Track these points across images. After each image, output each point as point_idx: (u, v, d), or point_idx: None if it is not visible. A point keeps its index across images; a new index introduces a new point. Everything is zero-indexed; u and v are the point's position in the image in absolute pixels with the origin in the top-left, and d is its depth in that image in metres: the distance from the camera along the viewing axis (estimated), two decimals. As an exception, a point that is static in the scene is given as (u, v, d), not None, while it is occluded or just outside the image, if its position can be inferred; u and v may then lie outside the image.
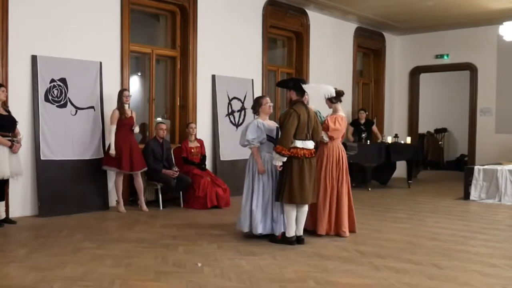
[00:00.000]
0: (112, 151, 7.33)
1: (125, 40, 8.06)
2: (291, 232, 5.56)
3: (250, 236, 5.82)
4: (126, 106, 7.53)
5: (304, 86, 5.65)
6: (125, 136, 7.44)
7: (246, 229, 5.80)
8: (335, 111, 6.28)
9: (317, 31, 11.30)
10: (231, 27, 9.56)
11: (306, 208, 5.66)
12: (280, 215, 5.77)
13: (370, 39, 13.03)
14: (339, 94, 6.25)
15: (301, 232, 5.64)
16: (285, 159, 5.43)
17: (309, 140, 5.58)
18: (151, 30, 9.52)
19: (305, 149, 5.51)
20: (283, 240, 5.59)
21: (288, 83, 5.91)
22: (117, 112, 7.43)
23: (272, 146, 5.73)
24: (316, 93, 5.76)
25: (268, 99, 6.02)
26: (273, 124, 5.93)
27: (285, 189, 5.47)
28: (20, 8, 6.89)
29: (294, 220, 5.56)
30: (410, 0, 10.48)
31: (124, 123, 7.44)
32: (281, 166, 5.48)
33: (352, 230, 6.14)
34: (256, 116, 6.00)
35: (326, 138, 6.09)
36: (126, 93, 7.53)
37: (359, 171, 10.69)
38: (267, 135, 5.77)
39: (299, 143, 5.49)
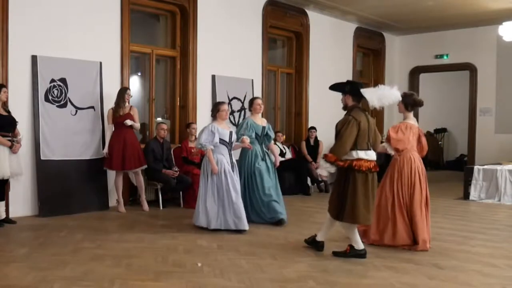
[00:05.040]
0: (104, 151, 7.44)
1: (125, 40, 8.06)
2: (360, 245, 5.12)
3: (213, 231, 6.16)
4: (126, 103, 7.52)
5: (363, 90, 5.06)
6: (118, 134, 7.45)
7: (203, 225, 6.22)
8: (404, 118, 5.70)
9: (317, 31, 11.30)
10: (231, 27, 9.56)
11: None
12: (241, 211, 6.13)
13: (370, 39, 13.03)
14: (418, 104, 5.69)
15: (324, 238, 5.28)
16: (334, 169, 4.96)
17: (370, 150, 5.04)
18: (151, 30, 9.52)
19: (370, 161, 4.97)
20: (353, 254, 5.11)
21: (344, 87, 5.20)
22: (111, 111, 7.47)
23: (224, 148, 6.26)
24: (376, 98, 5.01)
25: (225, 106, 6.44)
26: (228, 129, 6.36)
27: (347, 208, 4.94)
28: (20, 8, 6.89)
29: (357, 233, 5.16)
30: (410, 0, 10.49)
31: (118, 121, 7.44)
32: (326, 176, 4.97)
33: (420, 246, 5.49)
34: (212, 120, 6.38)
35: (390, 151, 5.59)
36: (129, 92, 7.56)
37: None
38: (220, 138, 6.20)
39: (362, 154, 4.94)
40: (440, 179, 12.95)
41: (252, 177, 6.83)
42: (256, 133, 6.91)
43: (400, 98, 5.28)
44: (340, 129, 4.97)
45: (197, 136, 6.37)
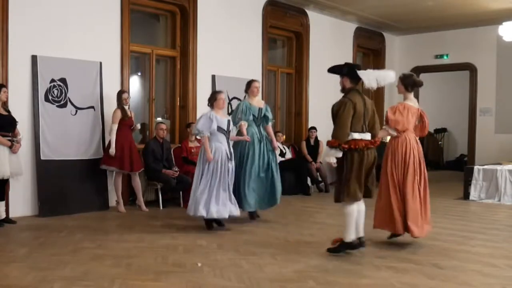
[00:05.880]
0: (112, 150, 7.31)
1: (125, 40, 8.06)
2: (351, 236, 5.06)
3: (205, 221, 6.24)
4: (126, 107, 7.53)
5: (359, 72, 5.12)
6: (125, 136, 7.44)
7: (191, 213, 6.21)
8: (404, 99, 5.69)
9: (317, 31, 11.30)
10: (231, 27, 9.56)
11: (363, 206, 5.17)
12: (228, 199, 6.21)
13: (370, 39, 13.03)
14: (418, 84, 5.72)
15: (361, 233, 5.12)
16: (341, 154, 4.94)
17: (366, 132, 5.07)
18: (151, 30, 9.52)
19: (364, 140, 5.00)
20: (344, 247, 5.08)
21: (342, 70, 5.22)
22: (119, 112, 7.42)
23: (222, 136, 6.25)
24: (373, 80, 5.11)
25: (222, 94, 6.39)
26: (225, 118, 6.37)
27: (348, 187, 4.96)
28: (20, 8, 6.89)
29: (354, 224, 5.09)
30: (410, 0, 10.49)
31: (125, 123, 7.45)
32: (335, 163, 5.01)
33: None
34: (210, 109, 6.34)
35: (392, 132, 5.57)
36: (124, 95, 7.53)
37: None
38: (218, 126, 6.18)
39: (356, 135, 4.97)
40: (440, 179, 12.94)
41: (244, 159, 6.81)
42: (253, 115, 6.92)
43: (394, 79, 5.30)
44: (337, 112, 4.99)
45: (196, 124, 6.34)
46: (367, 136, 5.09)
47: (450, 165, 15.54)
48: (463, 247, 5.63)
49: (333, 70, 5.36)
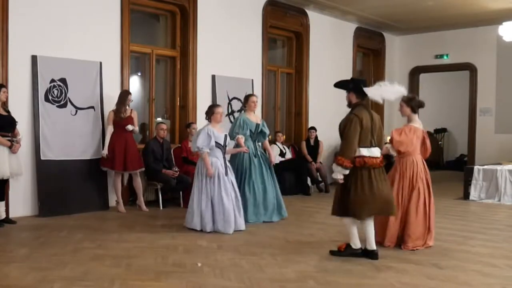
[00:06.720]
0: (104, 151, 7.41)
1: (125, 40, 8.06)
2: (357, 244, 5.09)
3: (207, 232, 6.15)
4: (127, 107, 7.53)
5: (365, 88, 5.10)
6: (119, 136, 7.45)
7: (197, 227, 6.20)
8: (409, 121, 5.69)
9: (317, 31, 11.30)
10: (231, 27, 9.56)
11: (371, 221, 5.07)
12: (234, 213, 6.19)
13: (370, 39, 13.03)
14: (422, 105, 5.71)
15: (373, 246, 5.05)
16: (347, 171, 4.89)
17: (374, 147, 5.04)
18: (151, 30, 9.52)
19: (373, 157, 4.97)
20: (349, 251, 5.10)
21: (348, 85, 5.22)
22: (112, 114, 7.47)
23: (219, 151, 6.25)
24: (379, 95, 5.09)
25: (220, 108, 6.41)
26: (222, 133, 6.37)
27: (351, 204, 4.90)
28: (20, 8, 6.89)
29: (356, 232, 5.10)
30: (410, 0, 10.49)
31: (120, 123, 7.45)
32: (341, 179, 4.92)
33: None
34: (208, 123, 6.36)
35: (393, 152, 5.57)
36: (130, 96, 7.57)
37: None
38: (215, 142, 6.20)
39: (364, 151, 4.94)
40: (440, 179, 12.90)
41: (244, 174, 6.85)
42: (250, 130, 6.96)
43: (404, 93, 5.30)
44: (344, 129, 4.98)
45: (194, 140, 6.35)
46: (376, 151, 5.05)
47: (450, 165, 15.53)
48: (463, 247, 5.63)
49: (339, 85, 5.33)
